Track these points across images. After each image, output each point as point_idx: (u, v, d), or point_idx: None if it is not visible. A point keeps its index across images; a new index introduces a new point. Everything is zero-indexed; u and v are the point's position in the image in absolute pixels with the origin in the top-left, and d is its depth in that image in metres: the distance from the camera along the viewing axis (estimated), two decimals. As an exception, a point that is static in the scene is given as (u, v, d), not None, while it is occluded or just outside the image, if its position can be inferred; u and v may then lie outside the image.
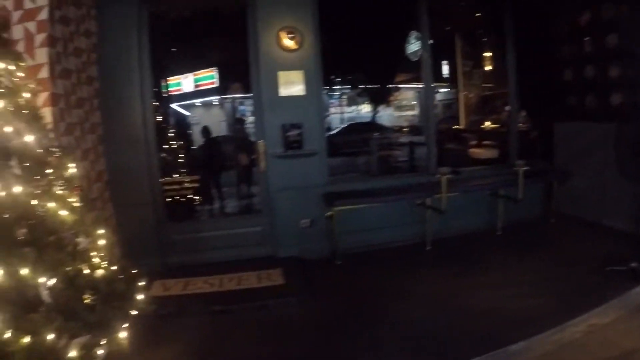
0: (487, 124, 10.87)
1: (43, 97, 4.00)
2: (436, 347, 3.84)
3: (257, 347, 4.02)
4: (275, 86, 6.14)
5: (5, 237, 2.44)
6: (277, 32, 6.06)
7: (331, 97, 24.64)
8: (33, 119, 2.96)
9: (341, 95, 26.07)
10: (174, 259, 6.02)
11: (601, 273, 4.94)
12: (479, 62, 11.85)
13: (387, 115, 24.94)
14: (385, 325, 4.26)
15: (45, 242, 2.67)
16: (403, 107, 26.23)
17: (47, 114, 3.85)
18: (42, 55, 4.11)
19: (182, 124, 14.80)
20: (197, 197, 7.95)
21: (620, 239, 5.87)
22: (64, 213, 2.94)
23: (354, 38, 14.86)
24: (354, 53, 16.73)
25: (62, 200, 3.01)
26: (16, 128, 2.73)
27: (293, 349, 3.98)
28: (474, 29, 11.34)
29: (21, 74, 3.03)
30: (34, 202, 2.74)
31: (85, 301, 2.82)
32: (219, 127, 17.40)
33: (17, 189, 2.58)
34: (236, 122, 14.67)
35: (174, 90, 19.06)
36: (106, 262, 3.27)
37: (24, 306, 2.39)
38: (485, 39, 11.35)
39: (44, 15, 4.11)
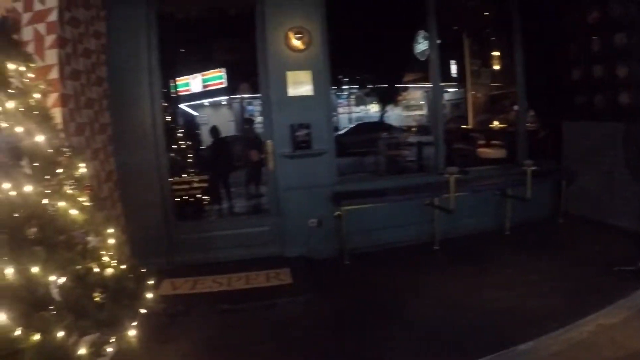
0: (495, 123, 10.84)
1: (53, 97, 4.04)
2: (445, 346, 3.83)
3: (265, 346, 4.02)
4: (283, 86, 6.15)
5: (16, 236, 2.46)
6: (285, 32, 6.07)
7: (339, 97, 24.67)
8: (43, 119, 3.00)
9: (349, 95, 26.10)
10: (182, 258, 6.05)
11: (609, 273, 4.91)
12: (487, 61, 11.84)
13: (395, 115, 24.95)
14: (393, 324, 4.26)
15: (56, 240, 2.70)
16: (411, 107, 26.22)
17: (57, 114, 3.88)
18: (52, 56, 4.14)
19: (191, 124, 14.88)
20: (206, 197, 7.99)
21: (628, 238, 5.84)
22: (74, 212, 2.98)
23: (362, 38, 14.87)
24: (362, 53, 16.74)
25: (72, 200, 3.04)
26: (27, 128, 2.76)
27: (301, 348, 3.98)
28: (482, 29, 11.30)
29: (31, 75, 3.07)
30: (45, 201, 2.78)
31: (94, 299, 2.85)
32: (228, 127, 17.47)
33: (28, 188, 2.61)
34: (245, 122, 14.71)
35: (182, 90, 19.15)
36: (116, 261, 3.30)
37: (35, 304, 2.41)
38: (493, 38, 11.33)
39: (53, 16, 4.15)
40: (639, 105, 6.05)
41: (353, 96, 26.40)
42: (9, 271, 2.36)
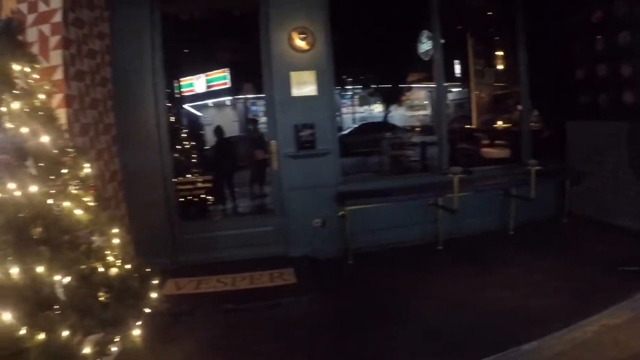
0: (499, 123, 10.81)
1: (58, 98, 4.06)
2: (449, 346, 3.83)
3: (269, 346, 4.03)
4: (287, 86, 6.16)
5: (22, 236, 2.48)
6: (289, 33, 6.08)
7: (343, 97, 24.70)
8: (48, 120, 3.01)
9: (353, 95, 26.11)
10: (186, 258, 6.07)
11: (613, 273, 4.90)
12: (491, 61, 11.80)
13: (399, 115, 24.96)
14: (397, 324, 4.26)
15: (61, 240, 2.71)
16: (415, 107, 26.23)
17: (61, 115, 3.91)
18: (56, 57, 4.17)
19: (195, 124, 14.87)
20: (210, 197, 7.99)
21: (633, 238, 5.84)
22: (78, 212, 2.99)
23: (366, 38, 14.89)
24: (366, 53, 16.76)
25: (77, 200, 3.06)
26: (32, 129, 2.78)
27: (305, 348, 3.98)
28: (486, 28, 11.28)
29: (36, 76, 3.08)
30: (50, 201, 2.79)
31: (99, 299, 2.86)
32: (231, 127, 17.50)
33: (33, 188, 2.63)
34: (249, 122, 14.75)
35: (186, 91, 19.21)
36: (120, 261, 3.31)
37: (39, 303, 2.43)
38: (497, 38, 11.30)
39: (58, 18, 4.17)
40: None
41: (357, 96, 26.43)
42: (14, 271, 2.38)
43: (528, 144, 7.45)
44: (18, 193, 2.55)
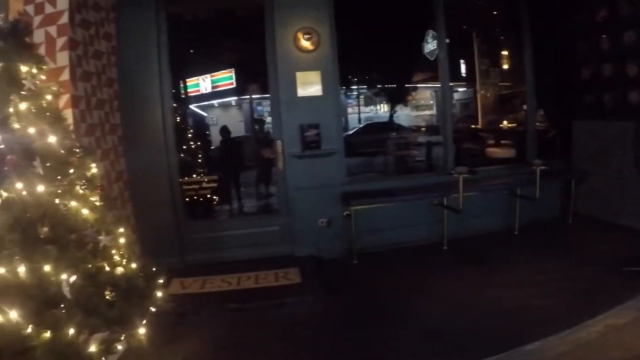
0: (505, 123, 10.81)
1: (64, 99, 4.09)
2: (453, 345, 3.83)
3: (273, 345, 4.04)
4: (293, 87, 6.17)
5: (29, 235, 2.51)
6: (294, 33, 6.09)
7: (348, 97, 24.67)
8: (55, 120, 3.04)
9: (358, 95, 26.09)
10: (192, 258, 6.08)
11: (618, 273, 4.89)
12: (496, 60, 11.80)
13: (404, 115, 24.91)
14: (402, 323, 4.27)
15: (67, 240, 2.74)
16: (420, 107, 26.20)
17: (68, 115, 3.94)
18: (63, 58, 4.19)
19: (201, 124, 14.93)
20: (216, 197, 8.01)
21: (638, 238, 5.82)
22: (85, 212, 3.02)
23: (371, 38, 14.86)
24: (371, 53, 16.73)
25: (83, 199, 3.09)
26: (39, 129, 2.81)
27: (310, 347, 3.99)
28: (491, 28, 11.28)
29: (43, 77, 3.11)
30: (57, 201, 2.82)
31: (105, 298, 2.89)
32: (237, 127, 17.52)
33: (40, 188, 2.66)
34: (254, 123, 14.76)
35: (192, 91, 19.23)
36: (126, 260, 3.33)
37: (46, 302, 2.45)
38: (502, 38, 11.30)
39: (64, 19, 4.20)
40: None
41: (362, 96, 26.40)
42: (21, 269, 2.40)
43: (533, 143, 7.43)
44: (25, 193, 2.57)
